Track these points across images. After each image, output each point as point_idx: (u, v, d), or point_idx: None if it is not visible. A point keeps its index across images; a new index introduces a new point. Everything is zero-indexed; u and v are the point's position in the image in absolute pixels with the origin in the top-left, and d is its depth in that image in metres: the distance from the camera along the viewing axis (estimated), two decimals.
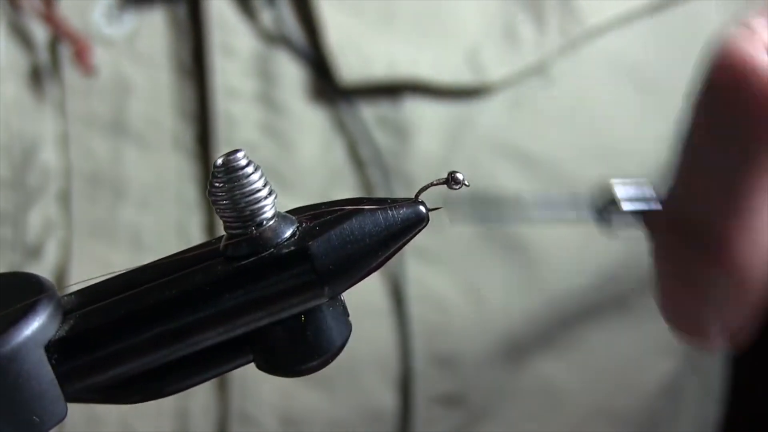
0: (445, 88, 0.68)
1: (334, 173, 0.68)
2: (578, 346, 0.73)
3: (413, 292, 0.67)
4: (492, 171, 0.69)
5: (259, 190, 0.35)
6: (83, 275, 0.38)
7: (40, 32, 0.67)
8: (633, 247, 0.73)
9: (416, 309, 0.67)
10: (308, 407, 0.67)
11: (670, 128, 0.41)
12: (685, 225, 0.38)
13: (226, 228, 0.36)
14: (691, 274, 0.38)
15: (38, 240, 0.65)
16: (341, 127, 0.68)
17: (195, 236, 0.66)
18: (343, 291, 0.36)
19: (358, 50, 0.67)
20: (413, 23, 0.69)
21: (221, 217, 0.35)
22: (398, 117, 0.68)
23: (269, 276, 0.35)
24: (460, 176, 0.37)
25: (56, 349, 0.34)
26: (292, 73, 0.67)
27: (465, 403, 0.69)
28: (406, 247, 0.37)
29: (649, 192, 0.41)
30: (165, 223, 0.66)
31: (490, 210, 0.41)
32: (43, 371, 0.34)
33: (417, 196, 0.37)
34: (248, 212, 0.35)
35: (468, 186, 0.37)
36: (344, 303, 0.37)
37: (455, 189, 0.37)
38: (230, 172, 0.35)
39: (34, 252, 0.65)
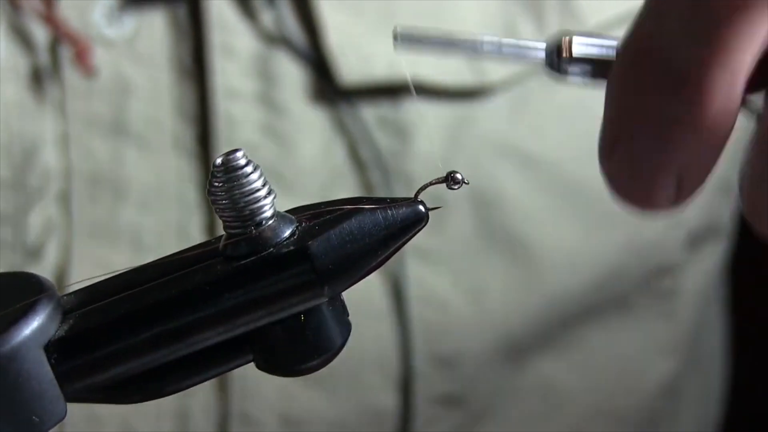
0: (445, 89, 0.68)
1: (334, 173, 0.68)
2: (578, 346, 0.73)
3: (413, 292, 0.67)
4: (492, 171, 0.69)
5: (258, 190, 0.35)
6: (83, 276, 0.38)
7: (40, 33, 0.67)
8: (633, 246, 0.73)
9: (416, 309, 0.67)
10: (308, 407, 0.67)
11: None
12: (651, 57, 0.34)
13: (225, 228, 0.36)
14: (651, 116, 0.34)
15: (38, 241, 0.65)
16: (341, 127, 0.68)
17: (195, 237, 0.66)
18: (343, 291, 0.36)
19: (358, 51, 0.67)
20: (413, 23, 0.69)
21: (220, 216, 0.36)
22: (398, 117, 0.68)
23: (269, 275, 0.35)
24: (459, 176, 0.37)
25: (56, 349, 0.34)
26: (292, 74, 0.67)
27: (465, 403, 0.69)
28: (406, 247, 0.37)
29: (606, 41, 0.37)
30: (165, 224, 0.66)
31: (445, 42, 0.39)
32: (43, 371, 0.34)
33: (416, 195, 0.37)
34: (247, 212, 0.35)
35: (467, 184, 0.37)
36: (344, 303, 0.37)
37: (454, 189, 0.37)
38: (229, 171, 0.35)
39: (35, 253, 0.65)
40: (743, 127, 0.35)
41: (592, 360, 0.73)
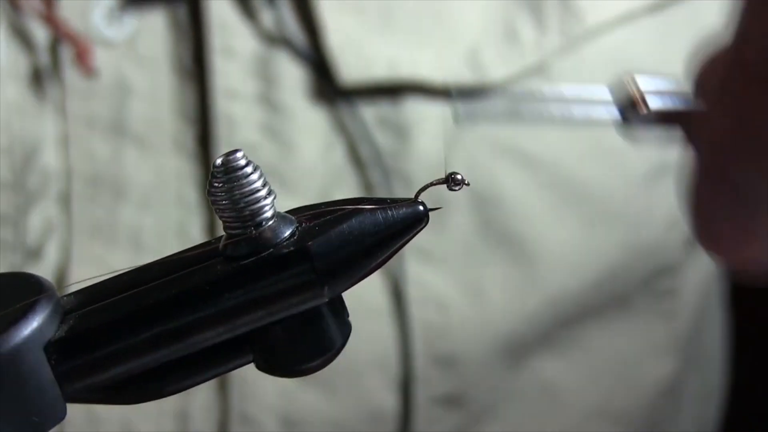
0: (445, 89, 0.68)
1: (334, 173, 0.68)
2: (578, 346, 0.73)
3: (413, 292, 0.67)
4: (492, 171, 0.69)
5: (258, 190, 0.35)
6: (83, 276, 0.38)
7: (40, 34, 0.67)
8: (633, 246, 0.73)
9: (416, 309, 0.67)
10: (308, 407, 0.67)
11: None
12: (752, 72, 0.29)
13: (225, 228, 0.36)
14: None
15: (38, 241, 0.65)
16: (341, 127, 0.68)
17: (195, 237, 0.66)
18: (343, 291, 0.36)
19: (358, 51, 0.67)
20: (413, 23, 0.69)
21: (221, 217, 0.36)
22: (398, 117, 0.68)
23: (269, 276, 0.35)
24: (459, 176, 0.37)
25: (56, 350, 0.34)
26: (292, 74, 0.67)
27: (465, 403, 0.69)
28: (406, 247, 0.37)
29: (679, 86, 0.33)
30: (165, 224, 0.66)
31: (502, 105, 0.37)
32: (43, 371, 0.34)
33: (417, 196, 0.37)
34: (248, 212, 0.35)
35: (468, 185, 0.37)
36: (344, 303, 0.37)
37: (455, 190, 0.37)
38: (229, 172, 0.35)
39: (35, 253, 0.65)
40: None
41: (592, 360, 0.73)
